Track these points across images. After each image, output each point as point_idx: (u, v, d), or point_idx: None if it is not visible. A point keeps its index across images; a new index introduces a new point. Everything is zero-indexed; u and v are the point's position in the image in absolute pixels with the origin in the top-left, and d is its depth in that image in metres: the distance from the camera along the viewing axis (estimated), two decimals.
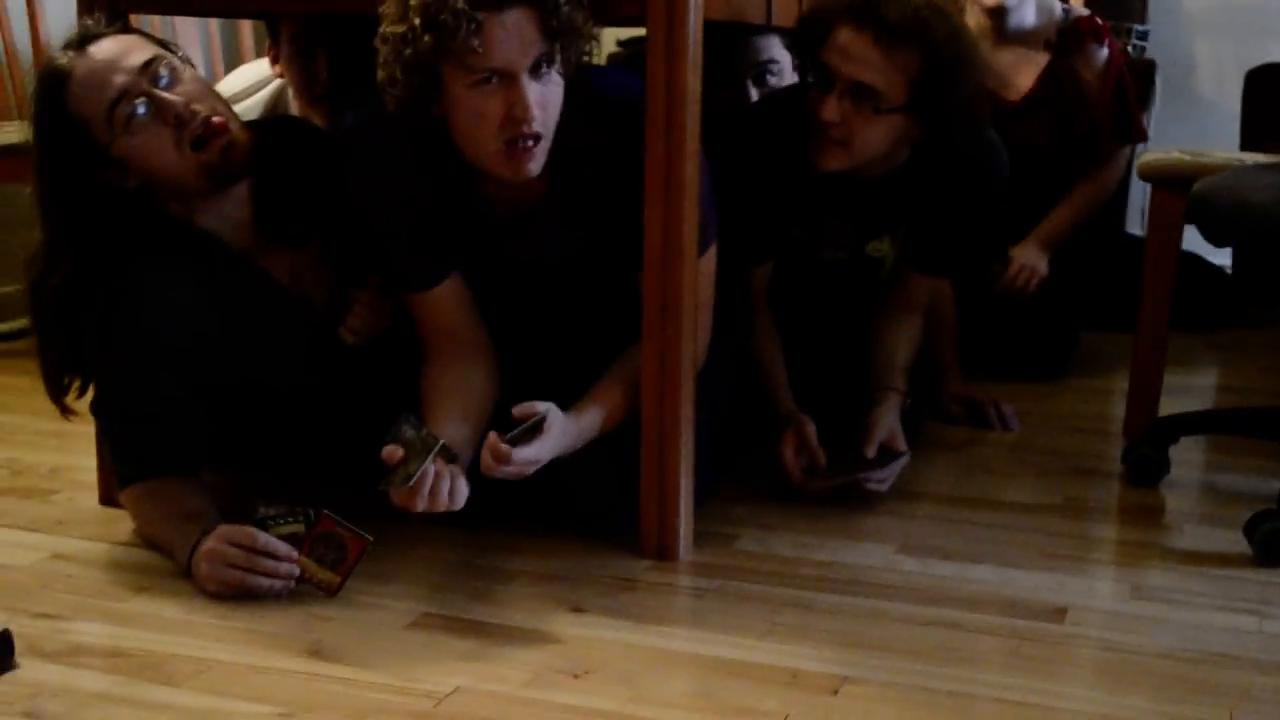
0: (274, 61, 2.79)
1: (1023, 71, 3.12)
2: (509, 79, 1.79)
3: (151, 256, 2.00)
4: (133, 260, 1.98)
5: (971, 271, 2.72)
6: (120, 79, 1.93)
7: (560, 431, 1.89)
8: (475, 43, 1.75)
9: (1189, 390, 3.00)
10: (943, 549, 2.08)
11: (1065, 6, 3.16)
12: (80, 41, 1.97)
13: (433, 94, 1.83)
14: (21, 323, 3.35)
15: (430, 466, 1.79)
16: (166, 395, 1.99)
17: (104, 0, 2.10)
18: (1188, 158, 2.53)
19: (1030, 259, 3.06)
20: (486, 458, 1.81)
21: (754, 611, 1.84)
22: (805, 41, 2.24)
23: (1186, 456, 2.47)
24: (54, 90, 1.95)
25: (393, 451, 1.79)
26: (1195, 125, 4.40)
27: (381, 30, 1.82)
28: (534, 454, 1.84)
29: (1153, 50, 4.30)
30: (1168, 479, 2.39)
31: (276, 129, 2.25)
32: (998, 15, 3.07)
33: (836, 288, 2.50)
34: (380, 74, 1.84)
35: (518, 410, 1.86)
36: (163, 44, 2.03)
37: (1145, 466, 2.39)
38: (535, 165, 1.86)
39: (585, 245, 2.04)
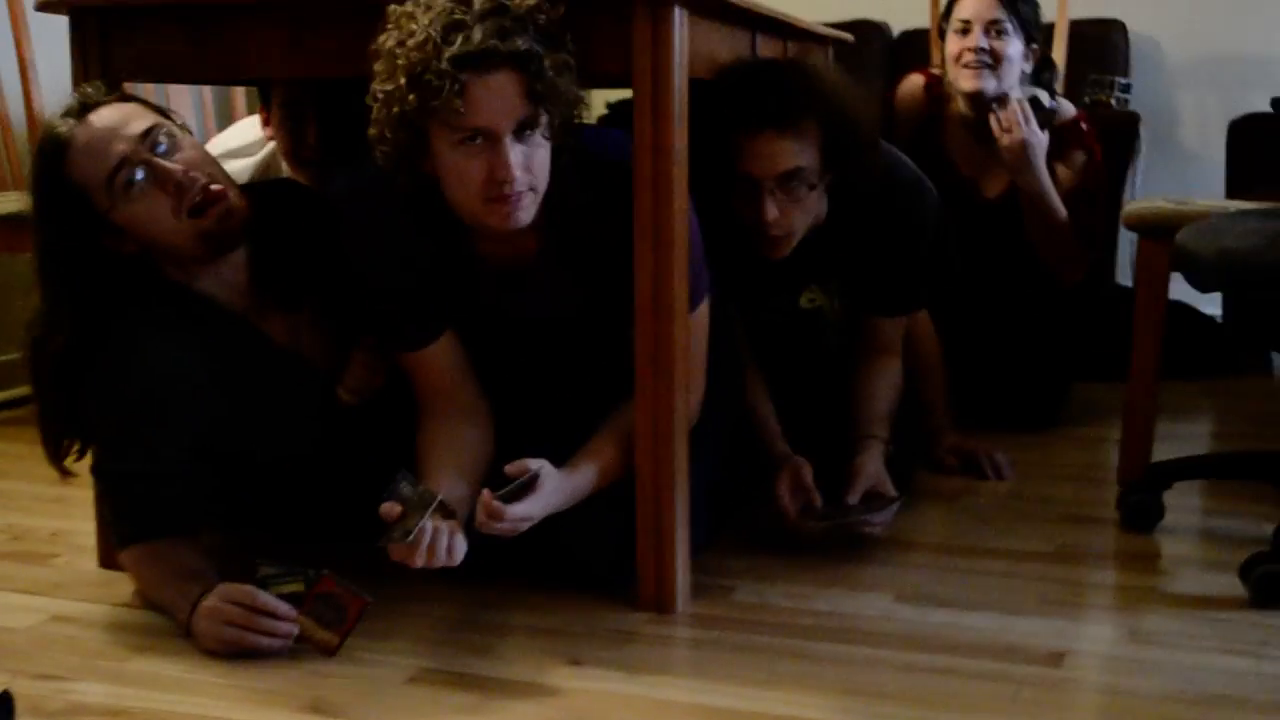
0: (265, 124, 2.82)
1: (997, 170, 3.08)
2: (492, 139, 1.81)
3: (149, 320, 2.01)
4: (131, 324, 2.00)
5: (934, 304, 2.73)
6: (120, 147, 1.95)
7: (553, 488, 1.90)
8: (459, 103, 1.77)
9: (1182, 437, 3.01)
10: (939, 596, 2.08)
11: (1052, 105, 3.09)
12: (80, 109, 1.99)
13: (420, 151, 1.86)
14: (21, 390, 3.36)
15: (428, 523, 1.80)
16: (165, 456, 2.01)
17: (98, 69, 2.13)
18: (1171, 206, 2.56)
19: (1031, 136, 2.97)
20: (480, 515, 1.83)
21: (753, 662, 1.85)
22: (713, 167, 2.23)
23: (1181, 502, 2.47)
24: (54, 158, 1.97)
25: (390, 508, 1.81)
26: (1180, 176, 4.44)
27: (372, 88, 1.85)
28: (526, 510, 1.86)
29: (1136, 102, 4.34)
30: (1162, 524, 2.39)
31: (271, 192, 2.27)
32: (976, 101, 3.06)
33: (786, 343, 2.53)
34: (371, 131, 1.87)
35: (510, 468, 1.88)
36: (161, 111, 2.06)
37: (1140, 512, 2.40)
38: (523, 215, 1.87)
39: (579, 301, 2.06)
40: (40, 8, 2.16)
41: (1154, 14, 4.55)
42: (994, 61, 3.00)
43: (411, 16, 1.81)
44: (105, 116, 1.98)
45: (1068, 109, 3.14)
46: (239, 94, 3.65)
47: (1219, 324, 3.89)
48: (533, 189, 1.86)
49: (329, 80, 2.49)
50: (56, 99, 3.22)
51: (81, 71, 2.14)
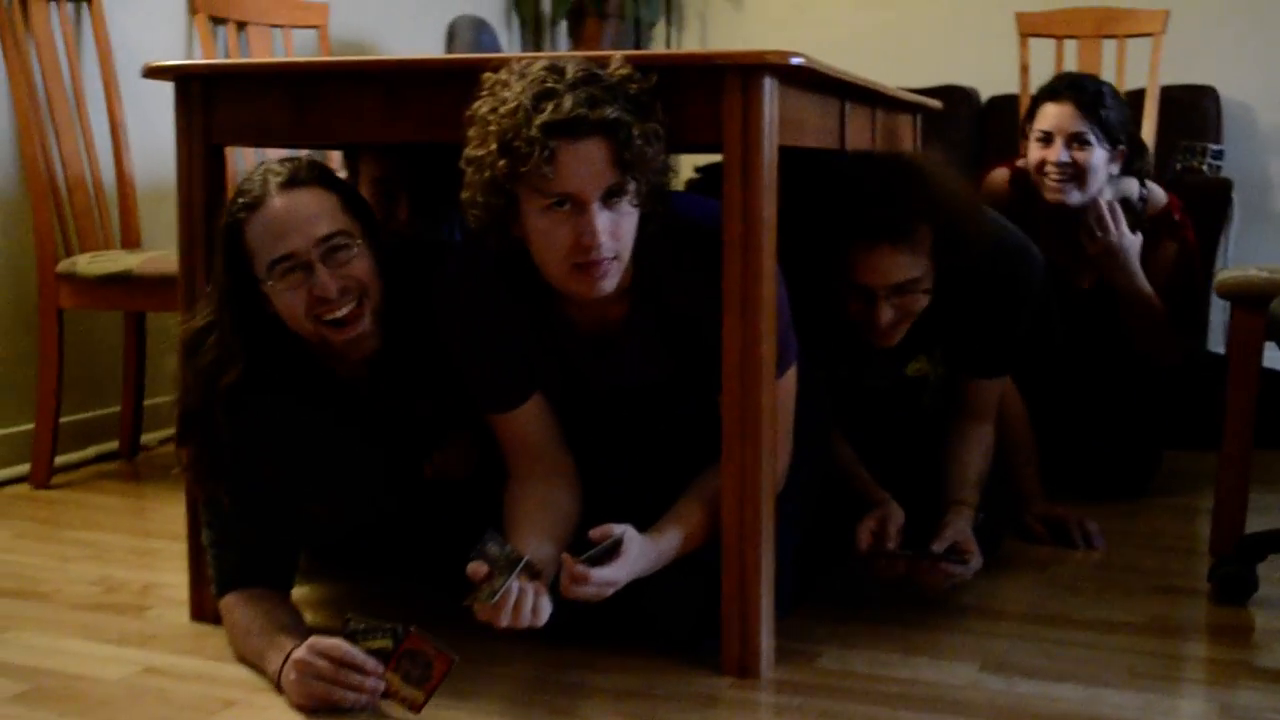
0: None
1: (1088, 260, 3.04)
2: (580, 205, 1.84)
3: (287, 388, 2.09)
4: (271, 385, 2.07)
5: (1032, 369, 2.71)
6: (296, 241, 2.00)
7: (637, 554, 1.91)
8: (548, 169, 1.80)
9: (1276, 508, 2.96)
10: (1026, 667, 2.06)
11: (1143, 193, 3.05)
12: (287, 181, 2.03)
13: (510, 216, 1.88)
14: (113, 444, 3.44)
15: (514, 583, 1.81)
16: (278, 518, 2.10)
17: (201, 133, 2.18)
18: (1265, 275, 2.53)
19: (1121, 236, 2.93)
20: (564, 580, 1.83)
21: None
22: (826, 274, 2.28)
23: (1275, 574, 2.43)
24: (242, 209, 2.03)
25: (477, 568, 1.82)
26: (1273, 243, 4.39)
27: (465, 152, 1.88)
28: (610, 575, 1.86)
29: (1228, 168, 4.30)
30: (1256, 597, 2.35)
31: (416, 269, 2.17)
32: (1061, 209, 2.97)
33: (886, 412, 2.53)
34: (464, 194, 1.90)
35: (594, 532, 1.89)
36: (357, 210, 2.09)
37: (1233, 584, 2.36)
38: (607, 283, 1.89)
39: (667, 368, 2.07)
40: (147, 74, 2.21)
41: (1247, 80, 4.53)
42: (1076, 173, 2.94)
43: (505, 84, 1.85)
44: (299, 203, 2.02)
45: (1159, 197, 3.08)
46: (335, 159, 3.72)
47: None
48: (618, 257, 1.88)
49: (419, 156, 2.55)
50: (146, 160, 3.33)
51: (185, 135, 2.19)
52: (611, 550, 1.87)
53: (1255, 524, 2.59)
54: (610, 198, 1.85)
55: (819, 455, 2.33)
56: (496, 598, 1.80)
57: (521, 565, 1.83)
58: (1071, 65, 4.15)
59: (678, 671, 2.02)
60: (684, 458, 2.09)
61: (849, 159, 2.33)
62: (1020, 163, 3.16)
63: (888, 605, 2.29)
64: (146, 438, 3.51)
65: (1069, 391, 3.07)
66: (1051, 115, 2.97)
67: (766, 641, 2.02)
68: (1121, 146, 2.99)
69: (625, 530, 1.90)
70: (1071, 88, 2.98)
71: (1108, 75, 3.82)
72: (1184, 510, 2.98)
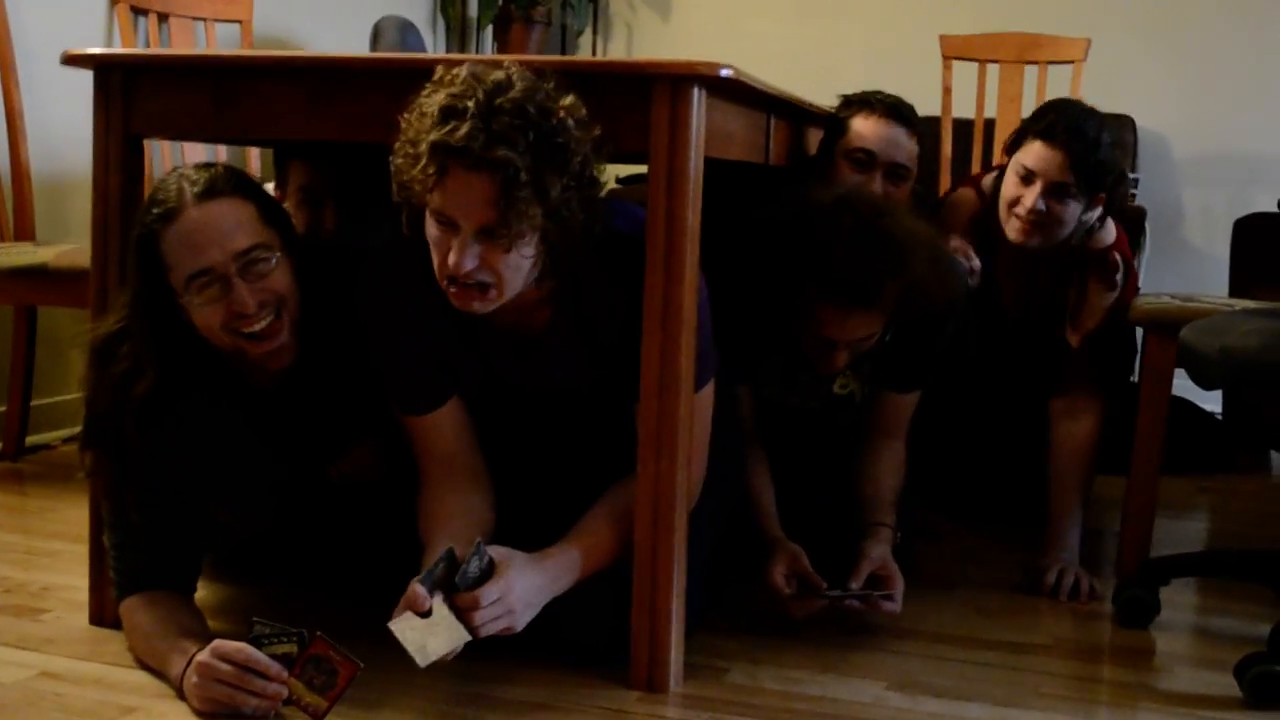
0: (279, 199, 2.82)
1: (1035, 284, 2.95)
2: (456, 228, 1.83)
3: (199, 395, 2.05)
4: (184, 393, 2.03)
5: (946, 381, 2.72)
6: (214, 255, 1.96)
7: (517, 573, 1.89)
8: (435, 184, 1.79)
9: (1179, 533, 3.01)
10: (933, 686, 2.07)
11: (1094, 224, 2.78)
12: (204, 191, 1.99)
13: (420, 217, 1.88)
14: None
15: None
16: (184, 522, 2.07)
17: (120, 124, 2.14)
18: (1178, 303, 2.57)
19: (1063, 561, 2.69)
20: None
21: None
22: (787, 314, 2.33)
23: (1177, 599, 2.47)
24: (157, 220, 1.98)
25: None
26: (1183, 272, 4.47)
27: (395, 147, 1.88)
28: (498, 593, 1.86)
29: (1142, 197, 4.37)
30: (1158, 621, 2.38)
31: (338, 277, 2.13)
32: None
33: (810, 427, 2.54)
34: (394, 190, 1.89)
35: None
36: (275, 219, 2.05)
37: (1136, 608, 2.39)
38: (480, 307, 1.88)
39: (587, 375, 2.07)
40: (66, 62, 2.16)
41: (1163, 111, 4.61)
42: (1047, 221, 2.70)
43: (440, 85, 1.82)
44: (217, 214, 1.98)
45: (1107, 235, 2.84)
46: (253, 155, 3.68)
47: (1218, 421, 3.89)
48: (495, 286, 1.86)
49: (346, 163, 2.53)
50: (43, 149, 3.24)
51: (103, 125, 2.14)
52: (484, 572, 1.87)
53: (1159, 549, 2.63)
54: (484, 234, 1.82)
55: (734, 469, 2.34)
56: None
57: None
58: (993, 89, 4.19)
59: (586, 685, 2.01)
60: (601, 464, 2.08)
61: (823, 207, 2.30)
62: (986, 182, 2.97)
63: (795, 621, 2.29)
64: (32, 439, 3.33)
65: (1005, 415, 3.09)
66: (1039, 157, 2.67)
67: (676, 656, 2.02)
68: (1101, 194, 2.74)
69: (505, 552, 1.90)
70: (1069, 134, 2.65)
71: (1028, 100, 3.87)
72: (1092, 534, 3.01)
